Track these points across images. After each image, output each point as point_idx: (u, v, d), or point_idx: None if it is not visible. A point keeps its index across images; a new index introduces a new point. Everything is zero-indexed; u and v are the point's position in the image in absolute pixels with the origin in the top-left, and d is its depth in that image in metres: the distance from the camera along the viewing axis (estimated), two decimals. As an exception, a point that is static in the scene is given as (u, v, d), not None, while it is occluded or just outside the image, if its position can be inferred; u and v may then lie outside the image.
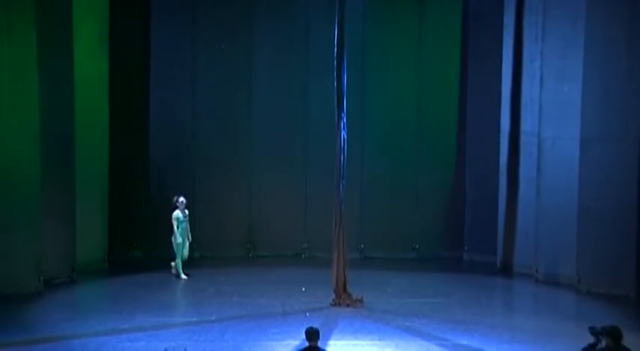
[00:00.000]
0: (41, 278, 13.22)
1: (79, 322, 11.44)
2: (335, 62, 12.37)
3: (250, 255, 16.63)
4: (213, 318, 11.62)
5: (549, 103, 14.47)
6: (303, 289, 13.35)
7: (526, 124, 15.26)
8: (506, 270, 15.56)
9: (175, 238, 14.33)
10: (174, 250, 14.40)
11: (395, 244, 16.57)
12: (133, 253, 16.41)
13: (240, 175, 16.72)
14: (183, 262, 14.44)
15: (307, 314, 11.76)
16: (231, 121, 16.74)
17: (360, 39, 16.01)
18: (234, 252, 16.50)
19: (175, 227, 14.31)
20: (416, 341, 10.53)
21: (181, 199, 14.43)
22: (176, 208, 14.36)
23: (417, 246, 16.74)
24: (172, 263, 14.50)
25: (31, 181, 13.06)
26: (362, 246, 16.28)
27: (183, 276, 14.34)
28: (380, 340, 10.59)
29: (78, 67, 14.16)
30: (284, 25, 16.76)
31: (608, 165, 13.38)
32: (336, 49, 12.35)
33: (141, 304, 12.45)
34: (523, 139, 15.34)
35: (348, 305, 12.30)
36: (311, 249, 16.27)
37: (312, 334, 8.40)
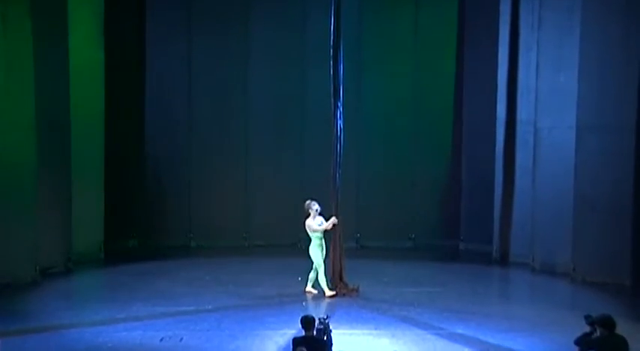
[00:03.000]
0: (37, 268, 13.23)
1: (75, 311, 11.44)
2: (331, 51, 12.35)
3: (246, 244, 16.64)
4: (210, 307, 11.62)
5: (545, 92, 14.46)
6: (300, 278, 13.34)
7: (522, 114, 15.24)
8: (502, 259, 15.58)
9: (314, 250, 12.41)
10: (313, 265, 12.47)
11: (391, 234, 16.58)
12: (129, 242, 16.43)
13: (236, 164, 16.72)
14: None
15: (304, 303, 11.78)
16: (227, 110, 16.72)
17: (356, 28, 15.97)
18: (230, 241, 16.51)
19: (315, 238, 12.39)
20: (412, 330, 10.53)
21: (316, 206, 12.39)
22: (308, 215, 12.44)
23: (413, 235, 16.77)
24: (309, 289, 12.56)
25: (26, 171, 13.04)
26: (358, 235, 16.29)
27: (329, 292, 12.30)
28: (376, 329, 10.60)
29: (73, 56, 14.12)
30: (281, 15, 16.71)
31: (604, 154, 13.38)
32: (332, 38, 12.32)
33: (137, 294, 12.44)
34: (519, 128, 15.32)
35: (344, 294, 12.30)
36: (307, 239, 16.23)
37: (308, 323, 8.41)
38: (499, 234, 15.73)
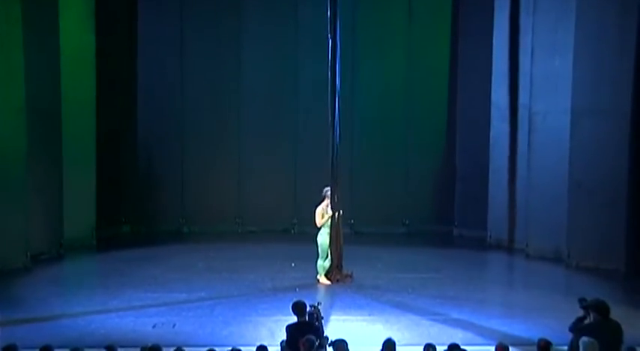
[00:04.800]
0: (28, 254, 13.15)
1: (67, 297, 11.37)
2: (329, 37, 12.16)
3: (239, 230, 16.59)
4: (203, 294, 11.57)
5: (540, 77, 14.39)
6: (293, 264, 13.31)
7: (517, 99, 15.16)
8: (496, 245, 15.56)
9: (323, 237, 12.13)
10: (317, 251, 12.21)
11: (385, 219, 16.56)
12: (121, 228, 16.34)
13: (229, 150, 16.65)
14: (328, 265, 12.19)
15: (297, 289, 11.71)
16: (220, 95, 16.64)
17: (350, 15, 15.81)
18: (223, 227, 16.47)
19: (325, 226, 12.11)
20: (406, 316, 10.50)
21: (325, 188, 12.19)
22: (322, 201, 12.19)
23: (407, 221, 16.74)
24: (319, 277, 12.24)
25: (17, 156, 12.93)
26: (352, 221, 16.22)
27: (324, 280, 12.15)
28: (370, 315, 10.57)
29: (64, 39, 14.00)
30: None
31: (599, 138, 13.34)
32: (329, 24, 12.10)
33: (129, 280, 12.38)
34: (514, 113, 15.24)
35: (337, 280, 12.25)
36: (300, 224, 16.21)
37: (300, 309, 8.36)
38: (493, 219, 15.70)
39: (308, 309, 8.39)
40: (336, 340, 7.45)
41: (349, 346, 7.52)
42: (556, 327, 9.25)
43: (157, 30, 16.44)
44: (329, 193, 12.18)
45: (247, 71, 16.57)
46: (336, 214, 12.18)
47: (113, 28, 15.91)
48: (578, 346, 7.54)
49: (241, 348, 7.62)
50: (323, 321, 8.55)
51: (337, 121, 12.18)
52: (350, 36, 15.63)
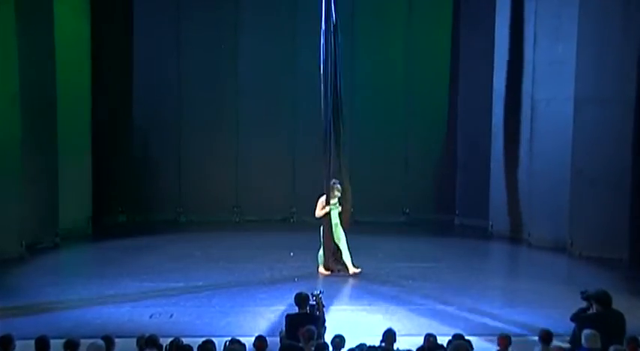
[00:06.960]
0: (24, 243, 13.06)
1: (63, 287, 11.25)
2: (322, 23, 11.94)
3: (238, 219, 16.50)
4: (200, 283, 11.46)
5: (543, 64, 14.27)
6: (292, 253, 13.20)
7: (519, 86, 15.01)
8: (498, 234, 15.45)
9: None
10: (319, 241, 12.14)
11: (386, 208, 16.45)
12: (117, 217, 16.24)
13: (227, 138, 16.54)
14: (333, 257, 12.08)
15: (296, 279, 11.62)
16: (217, 83, 16.50)
17: (349, 1, 15.65)
18: (221, 216, 16.36)
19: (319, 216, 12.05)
20: (406, 306, 10.41)
21: (337, 186, 12.05)
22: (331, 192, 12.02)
23: (408, 210, 16.66)
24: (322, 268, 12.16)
25: (11, 144, 12.81)
26: (352, 210, 16.03)
27: (322, 270, 12.07)
28: (370, 305, 10.48)
29: (58, 25, 13.85)
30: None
31: (602, 126, 13.23)
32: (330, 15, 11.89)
33: (126, 269, 12.27)
34: (516, 100, 15.11)
35: (338, 271, 12.13)
36: (299, 213, 16.09)
37: (302, 300, 8.27)
38: (495, 209, 15.58)
39: (311, 300, 8.29)
40: (335, 336, 7.34)
41: (349, 336, 7.43)
42: (558, 317, 9.14)
43: (153, 17, 16.29)
44: (337, 185, 12.06)
45: (245, 59, 16.42)
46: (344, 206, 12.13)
47: (109, 14, 15.74)
48: (580, 337, 7.43)
49: (239, 338, 7.51)
50: (324, 309, 8.46)
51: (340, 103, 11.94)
52: (349, 23, 15.47)
